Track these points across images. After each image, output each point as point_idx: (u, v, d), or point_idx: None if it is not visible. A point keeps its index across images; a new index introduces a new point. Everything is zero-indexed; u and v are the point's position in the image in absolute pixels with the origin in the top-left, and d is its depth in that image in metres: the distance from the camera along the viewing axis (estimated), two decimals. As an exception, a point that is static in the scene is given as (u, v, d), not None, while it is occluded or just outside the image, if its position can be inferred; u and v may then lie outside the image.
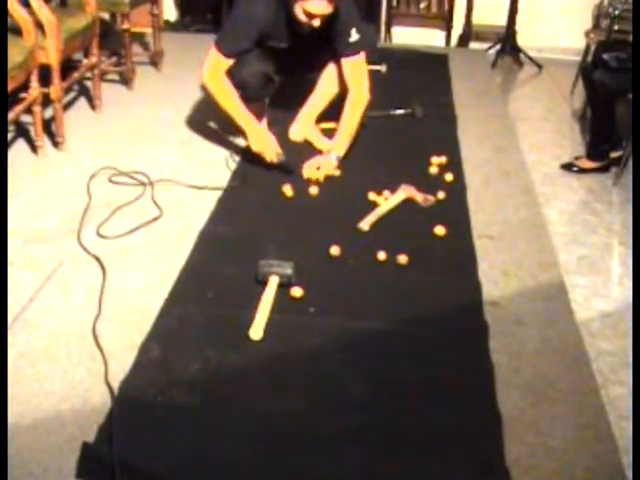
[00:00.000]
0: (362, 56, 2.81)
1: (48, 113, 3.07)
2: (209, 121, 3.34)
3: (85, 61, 3.39)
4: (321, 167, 2.76)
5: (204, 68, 2.74)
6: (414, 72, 4.17)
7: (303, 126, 3.03)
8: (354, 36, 2.75)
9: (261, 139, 2.77)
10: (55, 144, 3.00)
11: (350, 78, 2.82)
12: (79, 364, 1.77)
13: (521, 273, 2.24)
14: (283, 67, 2.91)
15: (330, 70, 2.94)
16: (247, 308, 1.95)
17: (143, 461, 1.48)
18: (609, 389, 1.81)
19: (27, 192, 2.62)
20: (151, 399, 1.66)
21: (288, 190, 2.64)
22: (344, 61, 2.82)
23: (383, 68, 3.99)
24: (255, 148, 2.76)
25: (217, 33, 2.71)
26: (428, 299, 2.08)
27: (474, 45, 5.07)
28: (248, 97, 2.83)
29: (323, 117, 3.10)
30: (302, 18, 2.59)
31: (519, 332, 1.97)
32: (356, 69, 2.82)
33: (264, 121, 3.04)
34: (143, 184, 2.68)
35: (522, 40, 4.78)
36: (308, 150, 2.97)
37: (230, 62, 2.70)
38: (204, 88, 2.80)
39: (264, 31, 2.69)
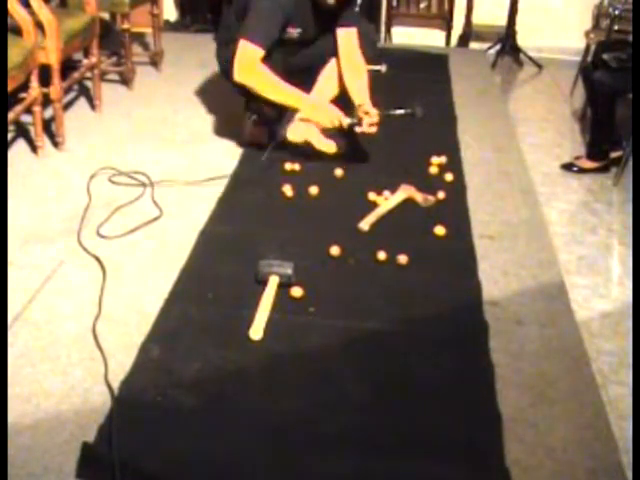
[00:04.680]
0: (356, 30, 2.91)
1: (48, 113, 3.07)
2: (209, 121, 3.34)
3: (85, 61, 3.39)
4: (373, 124, 2.77)
5: (235, 64, 2.68)
6: (414, 72, 4.17)
7: (302, 126, 3.03)
8: (357, 8, 2.86)
9: (324, 111, 2.76)
10: (55, 144, 3.00)
11: (348, 46, 2.90)
12: (79, 364, 1.77)
13: (521, 273, 2.24)
14: (290, 68, 2.91)
15: (330, 70, 2.95)
16: (247, 308, 1.95)
17: (143, 461, 1.48)
18: (609, 389, 1.81)
19: (27, 192, 2.62)
20: (151, 399, 1.66)
21: (288, 190, 2.65)
22: (344, 31, 2.88)
23: (383, 68, 3.99)
24: (324, 123, 2.76)
25: (242, 28, 2.66)
26: (428, 299, 2.08)
27: (474, 45, 5.07)
28: (264, 121, 2.86)
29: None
30: None
31: (519, 332, 1.97)
32: (354, 39, 2.91)
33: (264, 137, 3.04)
34: (143, 184, 2.68)
35: (522, 40, 4.78)
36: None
37: (262, 52, 2.66)
38: (239, 84, 2.72)
39: (287, 14, 2.70)
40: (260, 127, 3.01)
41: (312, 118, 2.78)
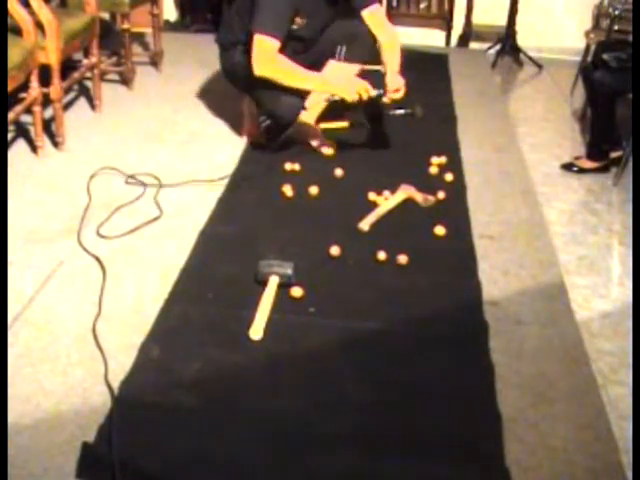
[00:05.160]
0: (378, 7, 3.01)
1: (48, 113, 3.07)
2: (209, 121, 3.35)
3: (85, 61, 3.40)
4: (399, 89, 2.83)
5: (254, 60, 2.68)
6: (414, 72, 4.14)
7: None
8: None
9: (350, 84, 2.77)
10: (55, 144, 3.00)
11: (377, 24, 2.96)
12: (79, 364, 1.77)
13: (521, 273, 2.24)
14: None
15: (328, 69, 2.96)
16: (247, 308, 1.95)
17: (143, 461, 1.48)
18: (609, 389, 1.81)
19: (27, 192, 2.62)
20: (151, 399, 1.66)
21: (288, 190, 2.65)
22: (368, 11, 2.93)
23: (383, 68, 3.99)
24: (351, 96, 2.74)
25: (254, 22, 2.66)
26: (428, 299, 2.08)
27: (474, 45, 5.07)
28: (278, 125, 2.88)
29: (323, 117, 3.11)
30: None
31: (519, 332, 1.97)
32: (380, 15, 3.00)
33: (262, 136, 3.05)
34: (143, 184, 2.68)
35: (522, 40, 4.78)
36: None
37: (278, 43, 2.67)
38: (261, 78, 2.71)
39: (296, 3, 2.72)
40: (252, 125, 3.02)
41: (339, 93, 2.75)
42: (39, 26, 2.77)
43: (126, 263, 2.21)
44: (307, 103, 2.90)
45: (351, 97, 2.73)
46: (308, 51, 2.91)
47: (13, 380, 1.70)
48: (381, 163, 2.95)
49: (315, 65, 2.92)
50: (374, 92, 2.75)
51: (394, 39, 2.98)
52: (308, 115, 2.99)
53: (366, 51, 3.01)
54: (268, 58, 2.67)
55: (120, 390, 1.68)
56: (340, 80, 2.79)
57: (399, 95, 2.83)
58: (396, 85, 2.81)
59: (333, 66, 2.98)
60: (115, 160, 2.85)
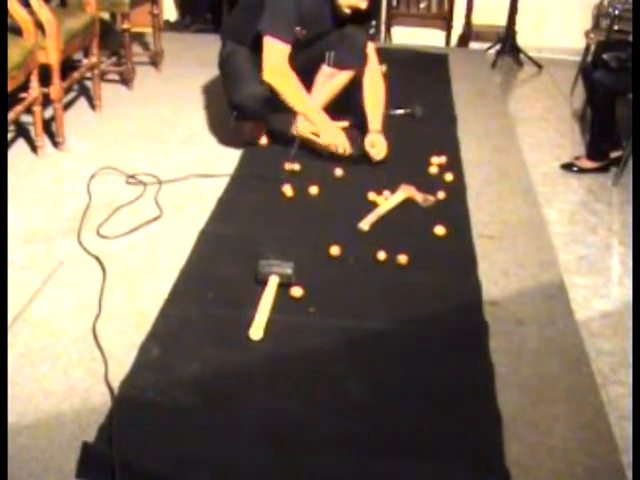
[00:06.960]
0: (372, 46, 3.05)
1: (48, 113, 3.07)
2: (209, 121, 3.35)
3: (85, 61, 3.39)
4: (380, 150, 2.86)
5: (265, 65, 2.70)
6: (414, 72, 4.17)
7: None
8: (372, 30, 3.00)
9: (333, 132, 2.83)
10: (55, 144, 3.00)
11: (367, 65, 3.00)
12: (79, 364, 1.77)
13: (521, 273, 2.24)
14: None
15: (322, 77, 2.98)
16: (247, 308, 1.95)
17: (143, 461, 1.48)
18: (609, 389, 1.81)
19: (27, 192, 2.62)
20: (151, 399, 1.66)
21: (288, 190, 2.65)
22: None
23: (383, 68, 3.99)
24: (326, 141, 2.82)
25: (263, 24, 2.69)
26: (428, 299, 2.08)
27: (474, 45, 5.08)
28: (245, 117, 2.89)
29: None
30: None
31: (519, 332, 1.97)
32: (370, 51, 3.01)
33: (264, 137, 3.07)
34: (143, 184, 2.68)
35: (522, 40, 4.78)
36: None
37: (289, 48, 2.70)
38: (267, 84, 2.73)
39: (301, 13, 2.73)
40: (253, 125, 3.02)
41: (323, 138, 2.82)
42: (39, 26, 2.77)
43: (126, 263, 2.21)
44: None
45: (329, 146, 2.82)
46: (300, 54, 2.88)
47: (13, 380, 1.70)
48: (381, 163, 2.94)
49: (306, 69, 2.90)
50: (354, 152, 2.84)
51: (380, 83, 3.02)
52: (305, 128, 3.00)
53: (355, 56, 2.95)
54: (280, 68, 2.71)
55: (120, 390, 1.68)
56: (332, 129, 2.83)
57: (381, 156, 2.86)
58: (378, 154, 2.85)
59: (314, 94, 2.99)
60: (115, 160, 2.85)
